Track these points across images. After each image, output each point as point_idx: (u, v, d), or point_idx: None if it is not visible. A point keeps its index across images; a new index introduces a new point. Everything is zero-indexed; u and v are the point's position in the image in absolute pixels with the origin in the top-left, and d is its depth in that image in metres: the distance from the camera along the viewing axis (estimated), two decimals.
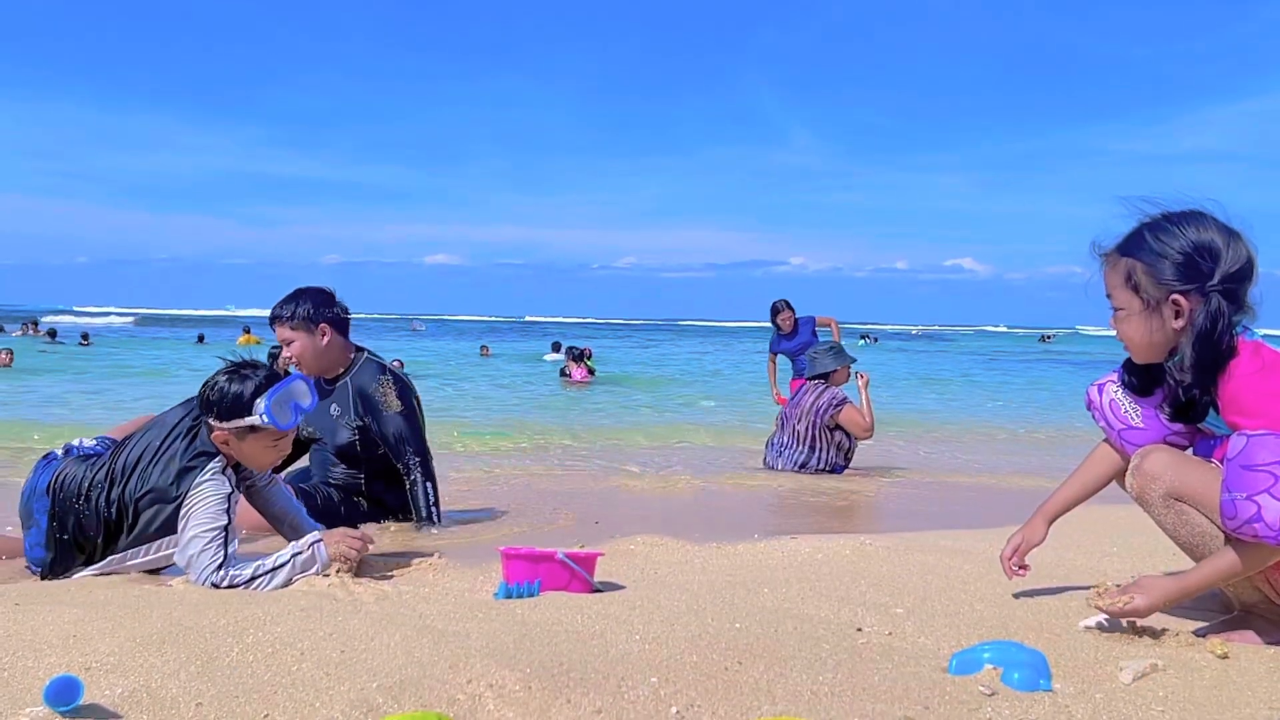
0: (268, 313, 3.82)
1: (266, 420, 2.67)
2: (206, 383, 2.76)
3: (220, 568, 2.59)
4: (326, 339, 3.74)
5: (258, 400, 2.68)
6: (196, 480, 2.68)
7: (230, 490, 2.72)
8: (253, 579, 2.59)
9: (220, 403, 2.69)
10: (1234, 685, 1.80)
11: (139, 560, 2.75)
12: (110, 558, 2.75)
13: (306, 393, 2.84)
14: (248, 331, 27.23)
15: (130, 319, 63.93)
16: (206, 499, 2.66)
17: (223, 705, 1.64)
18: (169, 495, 2.67)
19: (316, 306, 3.74)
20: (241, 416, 2.69)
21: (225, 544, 2.63)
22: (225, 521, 2.65)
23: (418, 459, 3.74)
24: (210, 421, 2.72)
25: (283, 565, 2.63)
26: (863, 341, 38.04)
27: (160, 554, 2.72)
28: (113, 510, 2.71)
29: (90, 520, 2.73)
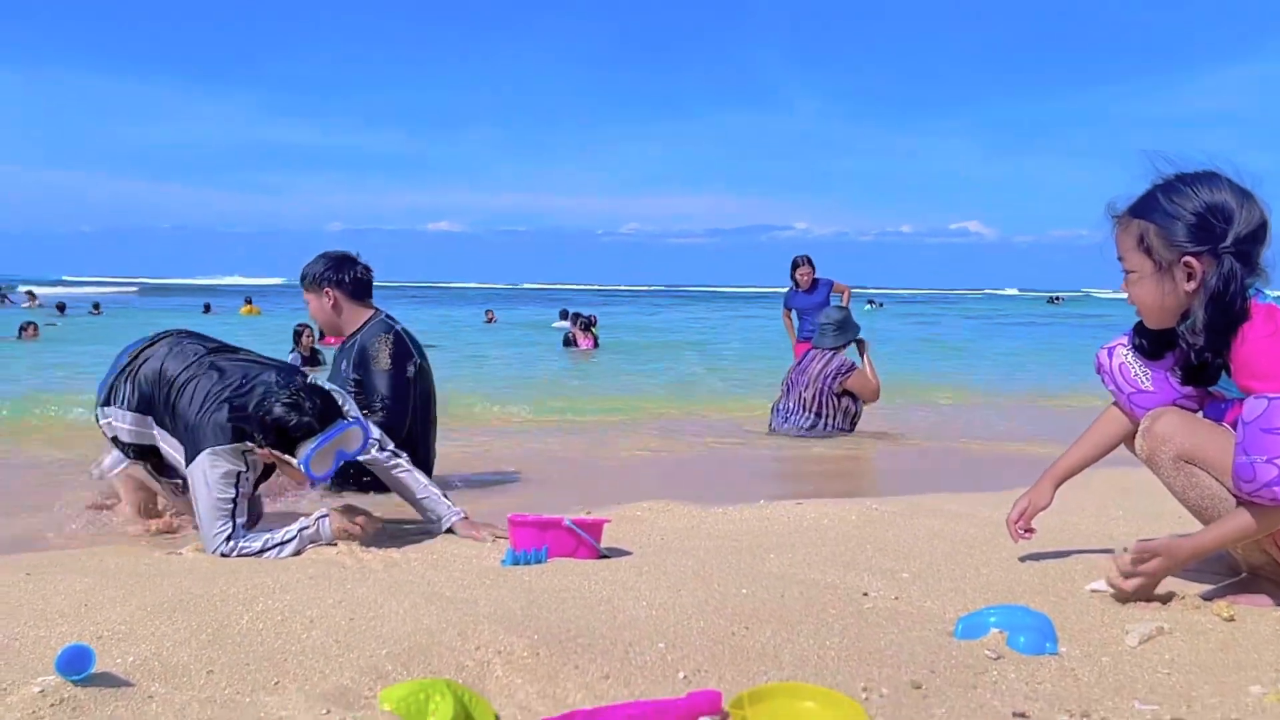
0: (273, 281, 3.85)
1: (304, 471, 2.65)
2: (262, 400, 2.66)
3: (229, 539, 2.66)
4: (332, 302, 3.94)
5: (302, 445, 2.61)
6: (215, 447, 2.71)
7: (242, 470, 2.75)
8: (261, 551, 2.66)
9: (267, 429, 2.63)
10: (1240, 648, 1.80)
11: (131, 427, 2.97)
12: (128, 413, 2.95)
13: (357, 439, 2.75)
14: (249, 302, 27.25)
15: (133, 289, 63.60)
16: (219, 470, 2.70)
17: (234, 672, 1.65)
18: (194, 437, 2.75)
19: (323, 271, 3.94)
20: (283, 450, 2.65)
21: (233, 516, 2.69)
22: (233, 495, 2.70)
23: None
24: (255, 434, 2.68)
25: (289, 540, 2.69)
26: (869, 306, 38.14)
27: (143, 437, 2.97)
28: (161, 394, 2.88)
29: (145, 381, 2.93)
